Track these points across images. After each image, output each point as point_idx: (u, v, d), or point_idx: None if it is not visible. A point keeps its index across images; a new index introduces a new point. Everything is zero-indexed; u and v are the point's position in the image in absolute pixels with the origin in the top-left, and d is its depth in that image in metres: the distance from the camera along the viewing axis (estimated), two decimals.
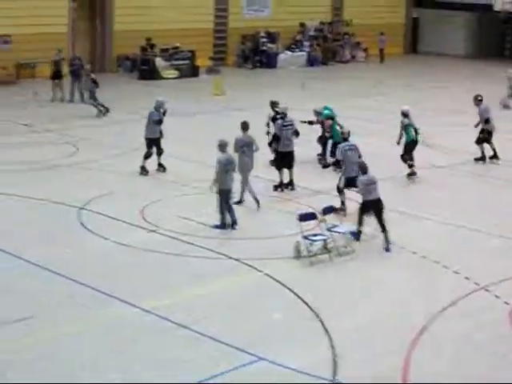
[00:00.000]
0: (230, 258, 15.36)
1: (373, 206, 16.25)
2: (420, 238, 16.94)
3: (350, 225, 16.45)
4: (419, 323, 12.77)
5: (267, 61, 43.51)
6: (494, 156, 23.21)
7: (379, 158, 21.07)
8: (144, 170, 20.88)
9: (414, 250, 16.06)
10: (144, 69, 38.31)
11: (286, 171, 19.92)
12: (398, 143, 21.24)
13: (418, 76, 42.21)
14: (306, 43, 45.47)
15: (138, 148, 22.24)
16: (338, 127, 21.37)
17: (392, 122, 23.70)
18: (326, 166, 21.57)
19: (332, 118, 22.14)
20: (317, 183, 20.20)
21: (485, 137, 23.03)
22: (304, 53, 45.04)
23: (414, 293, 14.24)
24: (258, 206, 18.24)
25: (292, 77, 40.67)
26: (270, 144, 20.72)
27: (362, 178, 16.56)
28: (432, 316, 13.08)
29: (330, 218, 16.54)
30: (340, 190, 18.08)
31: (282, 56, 44.12)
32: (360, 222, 16.43)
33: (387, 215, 16.40)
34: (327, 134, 22.00)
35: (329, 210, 16.73)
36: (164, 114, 21.52)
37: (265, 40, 43.88)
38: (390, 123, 24.97)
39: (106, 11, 39.32)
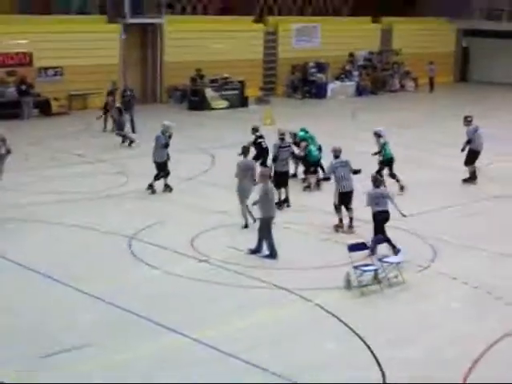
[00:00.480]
0: (280, 287, 15.34)
1: (381, 217, 17.03)
2: (471, 268, 16.76)
3: (401, 256, 16.34)
4: (472, 355, 12.61)
5: (316, 91, 43.62)
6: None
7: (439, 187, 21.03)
8: (152, 188, 21.93)
9: (465, 280, 15.90)
10: (194, 99, 38.67)
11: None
12: (382, 162, 22.38)
13: (469, 105, 41.94)
14: (355, 73, 45.55)
15: (191, 178, 22.41)
16: (313, 148, 22.86)
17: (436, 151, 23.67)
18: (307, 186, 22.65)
19: (306, 139, 23.47)
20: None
21: (471, 157, 23.62)
22: (353, 82, 45.11)
23: (466, 324, 14.08)
24: (254, 221, 18.68)
25: (341, 107, 40.72)
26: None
27: (370, 191, 17.30)
28: (485, 348, 12.92)
29: (381, 249, 16.48)
30: (336, 208, 18.84)
31: (331, 86, 44.21)
32: (376, 232, 17.10)
33: (437, 244, 16.27)
34: (302, 154, 23.05)
35: (379, 240, 16.68)
36: (170, 137, 22.43)
37: (314, 70, 44.02)
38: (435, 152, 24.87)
39: (156, 43, 39.83)
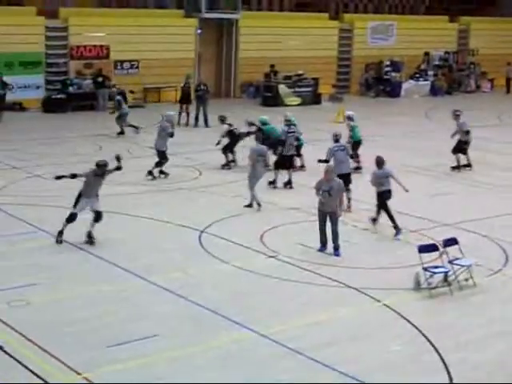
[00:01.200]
0: (349, 286, 15.32)
1: (385, 195, 18.34)
2: None
3: (472, 259, 16.16)
4: None
5: (390, 89, 43.37)
6: (468, 165, 25.55)
7: None
8: (152, 175, 22.94)
9: None
10: (267, 95, 38.76)
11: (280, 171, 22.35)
12: (349, 143, 23.35)
13: None
14: (431, 72, 45.12)
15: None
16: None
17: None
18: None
19: (265, 123, 24.65)
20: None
21: (461, 147, 25.24)
22: (428, 82, 44.69)
23: None
24: (259, 207, 20.04)
25: (415, 106, 40.39)
26: (223, 151, 24.57)
27: (375, 172, 18.60)
28: None
29: (452, 251, 16.32)
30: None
31: (405, 85, 43.88)
32: (378, 212, 18.63)
33: (510, 248, 16.03)
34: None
35: (451, 242, 16.52)
36: (173, 127, 23.68)
37: (388, 69, 43.72)
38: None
39: (232, 38, 40.04)
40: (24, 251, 16.76)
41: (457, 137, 25.67)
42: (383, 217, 18.61)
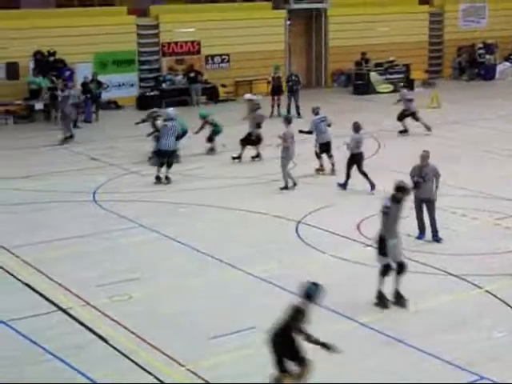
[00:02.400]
0: (449, 273, 15.12)
1: (359, 158, 20.51)
2: None
3: None
4: None
5: (484, 72, 42.52)
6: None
7: None
8: (167, 180, 21.95)
9: None
10: (358, 83, 38.51)
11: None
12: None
13: None
14: None
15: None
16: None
17: None
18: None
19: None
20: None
21: (405, 114, 28.18)
22: None
23: None
24: (295, 185, 21.06)
25: (510, 89, 39.49)
26: (149, 135, 24.42)
27: (354, 135, 20.64)
28: None
29: None
30: (318, 156, 22.61)
31: (500, 67, 42.97)
32: (348, 174, 20.66)
33: None
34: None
35: None
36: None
37: (482, 51, 42.89)
38: None
39: (321, 27, 39.90)
40: (123, 246, 17.07)
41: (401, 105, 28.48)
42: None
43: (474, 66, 42.72)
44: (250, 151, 24.33)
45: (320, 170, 22.71)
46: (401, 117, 28.49)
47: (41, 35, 32.63)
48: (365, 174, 20.64)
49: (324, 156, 22.63)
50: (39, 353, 12.19)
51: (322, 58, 40.18)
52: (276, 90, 32.54)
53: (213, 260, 16.05)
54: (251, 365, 11.72)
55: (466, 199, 19.25)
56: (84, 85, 31.97)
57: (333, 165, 22.52)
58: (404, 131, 28.27)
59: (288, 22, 38.77)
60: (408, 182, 16.97)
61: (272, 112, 31.61)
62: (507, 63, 43.43)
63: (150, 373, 11.45)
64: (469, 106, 34.04)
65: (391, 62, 39.23)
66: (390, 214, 13.55)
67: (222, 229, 18.18)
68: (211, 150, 25.59)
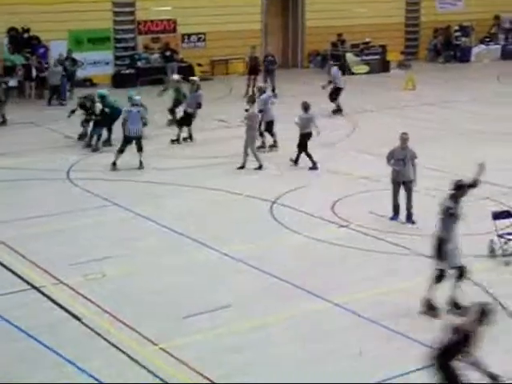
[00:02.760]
0: (422, 255, 15.19)
1: (307, 137, 21.10)
2: None
3: None
4: None
5: (460, 55, 42.62)
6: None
7: None
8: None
9: None
10: (335, 64, 38.44)
11: None
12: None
13: None
14: (501, 36, 44.19)
15: (334, 143, 22.55)
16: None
17: None
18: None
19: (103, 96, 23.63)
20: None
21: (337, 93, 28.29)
22: (499, 46, 43.79)
23: None
24: (260, 167, 21.13)
25: (485, 71, 39.63)
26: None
27: (302, 116, 21.33)
28: None
29: None
30: (261, 134, 22.92)
31: (475, 50, 43.08)
32: (308, 154, 21.16)
33: None
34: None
35: None
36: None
37: (458, 34, 42.99)
38: None
39: (297, 8, 39.78)
40: (98, 225, 17.02)
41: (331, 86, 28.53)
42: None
43: (450, 48, 42.81)
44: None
45: (262, 147, 22.92)
46: (333, 96, 28.39)
47: (15, 11, 32.27)
48: (308, 155, 21.21)
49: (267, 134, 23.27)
50: (12, 331, 12.16)
51: (299, 39, 40.08)
52: (252, 70, 32.46)
53: (187, 239, 16.05)
54: (223, 343, 11.74)
55: (440, 181, 19.31)
56: (58, 62, 31.73)
57: (275, 142, 23.29)
58: (338, 110, 28.34)
59: (264, 2, 38.59)
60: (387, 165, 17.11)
61: (247, 92, 31.52)
62: (483, 46, 43.55)
63: (122, 351, 11.45)
64: (444, 88, 34.13)
65: (367, 43, 39.23)
66: (453, 215, 12.80)
67: (197, 208, 18.17)
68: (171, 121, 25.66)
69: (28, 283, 13.90)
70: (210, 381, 10.74)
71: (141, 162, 21.26)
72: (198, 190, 19.51)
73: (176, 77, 26.78)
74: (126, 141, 21.31)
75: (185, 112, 24.40)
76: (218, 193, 19.19)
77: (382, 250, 15.52)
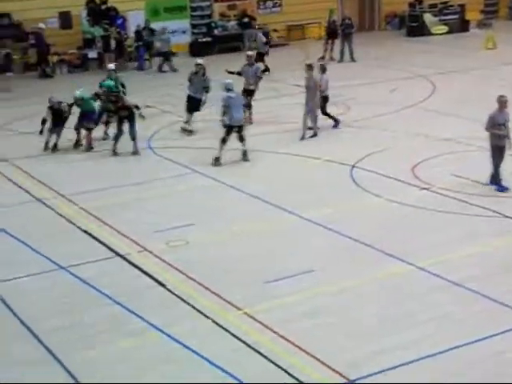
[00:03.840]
0: (506, 216, 14.96)
1: (327, 100, 21.41)
2: None
3: None
4: None
5: None
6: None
7: None
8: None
9: None
10: (412, 25, 37.93)
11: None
12: None
13: None
14: None
15: (413, 105, 22.22)
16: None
17: None
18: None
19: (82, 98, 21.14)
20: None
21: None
22: None
23: None
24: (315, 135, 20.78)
25: None
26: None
27: (324, 76, 21.18)
28: None
29: None
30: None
31: None
32: (330, 115, 21.38)
33: None
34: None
35: None
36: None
37: None
38: None
39: None
40: (179, 193, 17.19)
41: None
42: None
43: None
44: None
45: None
46: (258, 59, 27.36)
47: None
48: (327, 114, 21.42)
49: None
50: (98, 298, 12.40)
51: (375, 1, 39.60)
52: (331, 34, 32.25)
53: (268, 205, 16.09)
54: (306, 308, 11.78)
55: None
56: (137, 32, 32.01)
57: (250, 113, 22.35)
58: (265, 70, 28.30)
59: None
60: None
61: (324, 56, 31.33)
62: None
63: (207, 316, 11.58)
64: None
65: (445, 2, 38.55)
66: None
67: (276, 174, 18.18)
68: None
69: (113, 251, 14.13)
70: (296, 345, 10.75)
71: (245, 152, 19.44)
72: (276, 155, 19.50)
73: (111, 66, 23.63)
74: (229, 130, 19.39)
75: (190, 97, 22.25)
76: (296, 158, 19.15)
77: (464, 212, 15.31)
